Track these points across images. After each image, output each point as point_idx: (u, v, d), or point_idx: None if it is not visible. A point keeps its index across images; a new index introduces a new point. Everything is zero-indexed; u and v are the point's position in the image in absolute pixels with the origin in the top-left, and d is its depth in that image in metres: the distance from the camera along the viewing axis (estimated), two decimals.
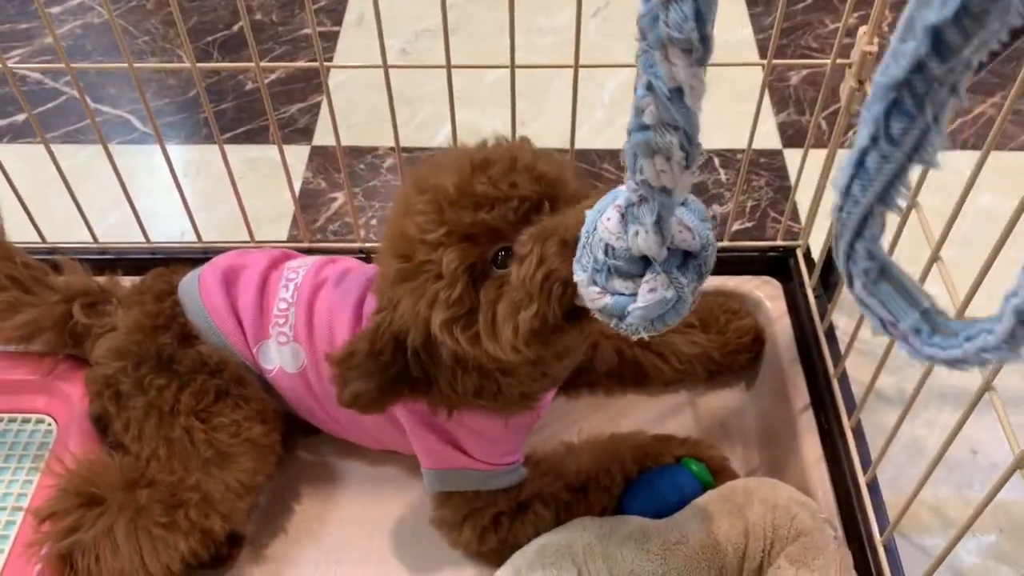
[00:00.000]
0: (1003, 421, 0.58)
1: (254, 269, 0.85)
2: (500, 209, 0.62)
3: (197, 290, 0.84)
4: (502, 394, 0.73)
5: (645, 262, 0.54)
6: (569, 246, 0.59)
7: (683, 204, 0.54)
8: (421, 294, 0.64)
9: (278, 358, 0.83)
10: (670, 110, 0.43)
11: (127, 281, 0.93)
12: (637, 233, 0.50)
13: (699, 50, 0.41)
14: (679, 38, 0.40)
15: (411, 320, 0.66)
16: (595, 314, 0.57)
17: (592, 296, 0.56)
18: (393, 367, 0.69)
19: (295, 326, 0.81)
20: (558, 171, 0.66)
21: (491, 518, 0.80)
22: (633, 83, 0.85)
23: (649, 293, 0.53)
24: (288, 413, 0.87)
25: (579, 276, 0.57)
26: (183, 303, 0.84)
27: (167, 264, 0.91)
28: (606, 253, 0.54)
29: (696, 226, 0.54)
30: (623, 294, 0.54)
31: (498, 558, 0.79)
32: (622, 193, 0.53)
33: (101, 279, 0.91)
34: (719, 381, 0.98)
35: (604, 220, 0.53)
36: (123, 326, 0.84)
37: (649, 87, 0.44)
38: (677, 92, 0.43)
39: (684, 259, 0.54)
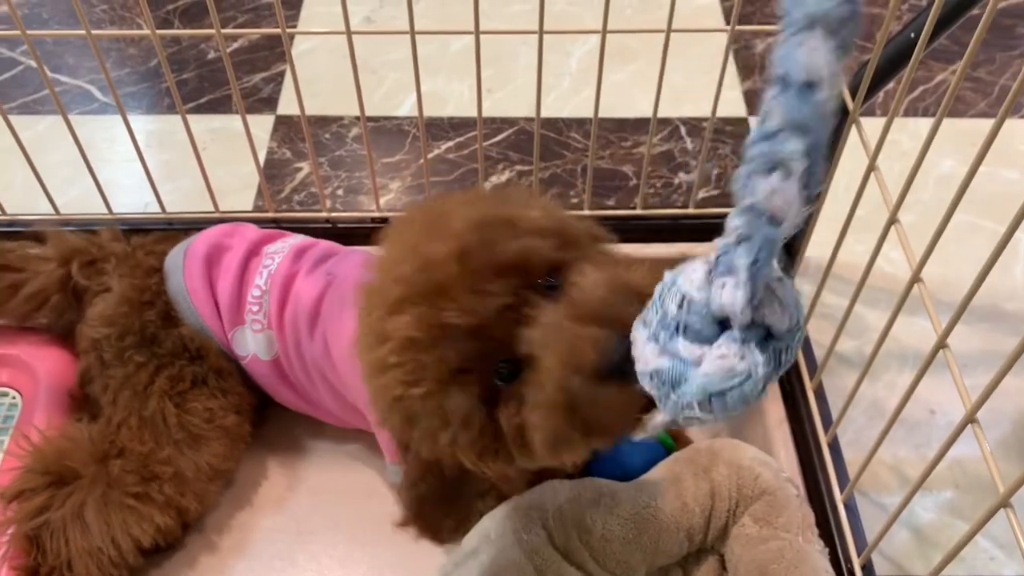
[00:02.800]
0: (956, 378, 0.59)
1: (238, 250, 0.85)
2: (483, 330, 0.54)
3: (181, 268, 0.84)
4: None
5: (720, 329, 0.46)
6: (592, 371, 0.52)
7: (779, 280, 0.46)
8: (435, 441, 0.58)
9: (252, 345, 0.83)
10: (801, 108, 0.38)
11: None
12: (724, 285, 0.44)
13: (847, 29, 0.37)
14: (828, 13, 0.36)
15: (440, 458, 0.61)
16: (641, 383, 0.49)
17: (647, 356, 0.48)
18: (460, 475, 0.64)
19: (269, 313, 0.81)
20: (518, 247, 0.55)
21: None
22: (599, 51, 0.85)
23: (719, 360, 0.45)
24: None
25: (638, 332, 0.49)
26: (167, 280, 0.84)
27: (129, 235, 0.91)
28: (679, 306, 0.46)
29: (789, 303, 0.46)
30: (682, 359, 0.46)
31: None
32: (705, 259, 0.46)
33: (97, 236, 0.91)
34: None
35: (689, 272, 0.47)
36: (114, 294, 0.84)
37: (783, 81, 0.39)
38: (809, 87, 0.38)
39: (765, 338, 0.46)
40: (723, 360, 0.45)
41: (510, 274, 0.54)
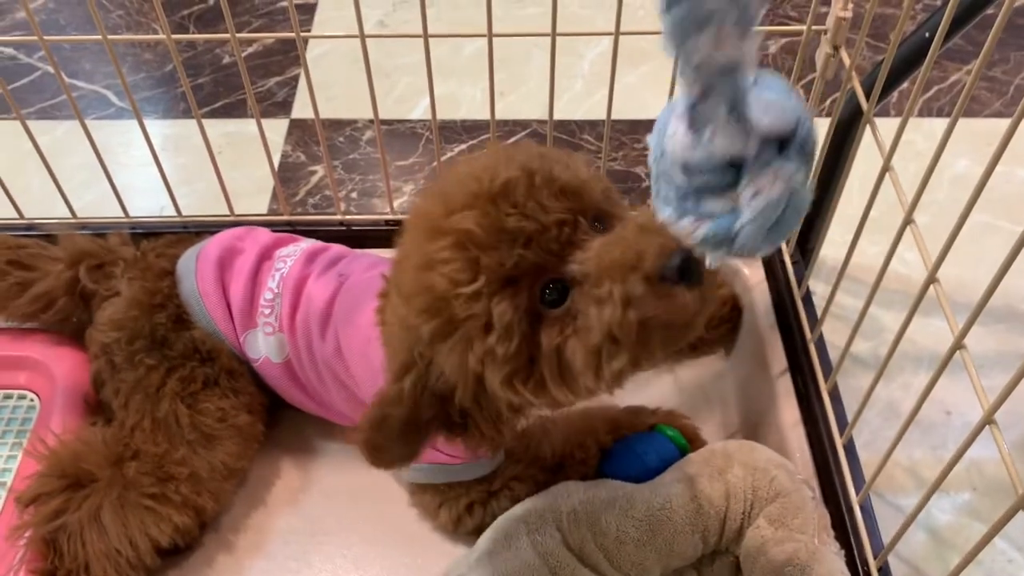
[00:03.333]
0: (973, 379, 0.59)
1: (250, 254, 0.85)
2: (540, 241, 0.55)
3: (194, 271, 0.84)
4: (534, 450, 0.74)
5: (736, 168, 0.44)
6: (655, 281, 0.53)
7: (754, 83, 0.43)
8: (467, 351, 0.57)
9: (264, 348, 0.83)
10: None
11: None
12: (713, 135, 0.42)
13: None
14: None
15: (459, 378, 0.59)
16: (696, 250, 0.47)
17: (687, 230, 0.46)
18: (431, 424, 0.63)
19: (281, 316, 0.82)
20: (576, 175, 0.58)
21: (465, 507, 0.80)
22: (611, 53, 0.85)
23: (755, 200, 0.43)
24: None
25: (664, 212, 0.47)
26: (179, 282, 0.84)
27: (145, 239, 0.91)
28: (685, 173, 0.44)
29: (780, 101, 0.43)
30: (722, 214, 0.44)
31: (478, 537, 0.79)
32: (678, 102, 0.44)
33: (106, 240, 0.91)
34: (698, 349, 0.99)
35: (670, 138, 0.44)
36: (124, 297, 0.84)
37: None
38: None
39: (780, 146, 0.44)
40: (758, 197, 0.43)
41: (568, 198, 0.56)
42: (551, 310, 0.56)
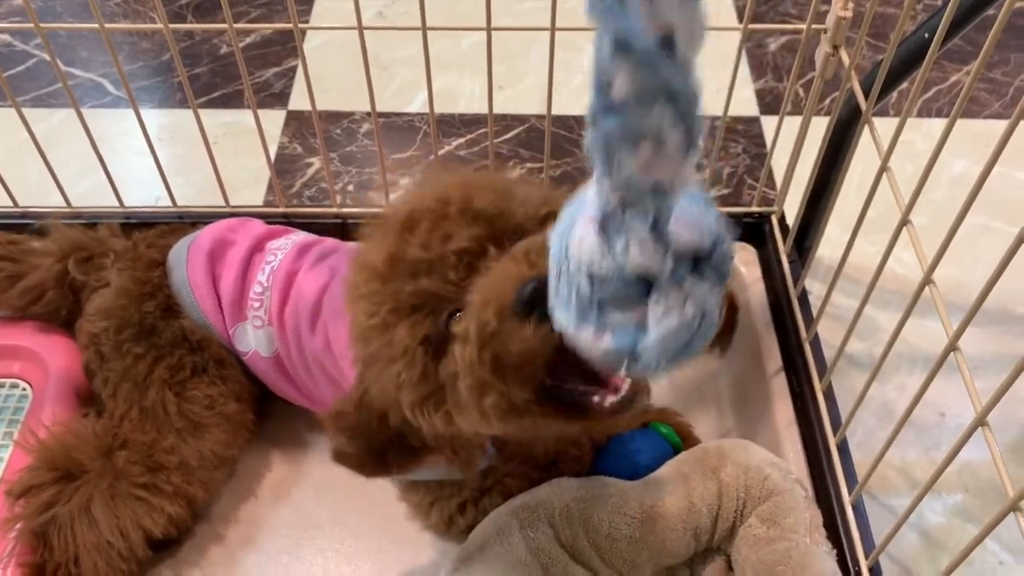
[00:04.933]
0: (967, 380, 0.59)
1: (241, 246, 0.85)
2: (437, 271, 0.55)
3: (184, 262, 0.84)
4: (526, 450, 0.74)
5: (647, 280, 0.40)
6: (509, 316, 0.51)
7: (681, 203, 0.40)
8: (385, 378, 0.59)
9: (253, 341, 0.83)
10: (657, 72, 0.32)
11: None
12: (627, 247, 0.38)
13: None
14: None
15: (386, 403, 0.61)
16: (595, 362, 0.44)
17: (587, 341, 0.43)
18: (381, 436, 0.64)
19: (270, 310, 0.81)
20: (497, 202, 0.57)
21: (457, 506, 0.80)
22: None
23: (664, 319, 0.40)
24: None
25: (563, 318, 0.43)
26: (169, 273, 0.84)
27: (140, 229, 0.91)
28: (591, 282, 0.41)
29: (699, 217, 0.40)
30: (627, 328, 0.41)
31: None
32: (588, 200, 0.40)
33: (96, 231, 0.91)
34: None
35: (577, 242, 0.41)
36: (113, 287, 0.84)
37: (619, 47, 0.32)
38: (664, 43, 0.31)
39: (695, 262, 0.41)
40: (669, 317, 0.40)
41: (479, 225, 0.56)
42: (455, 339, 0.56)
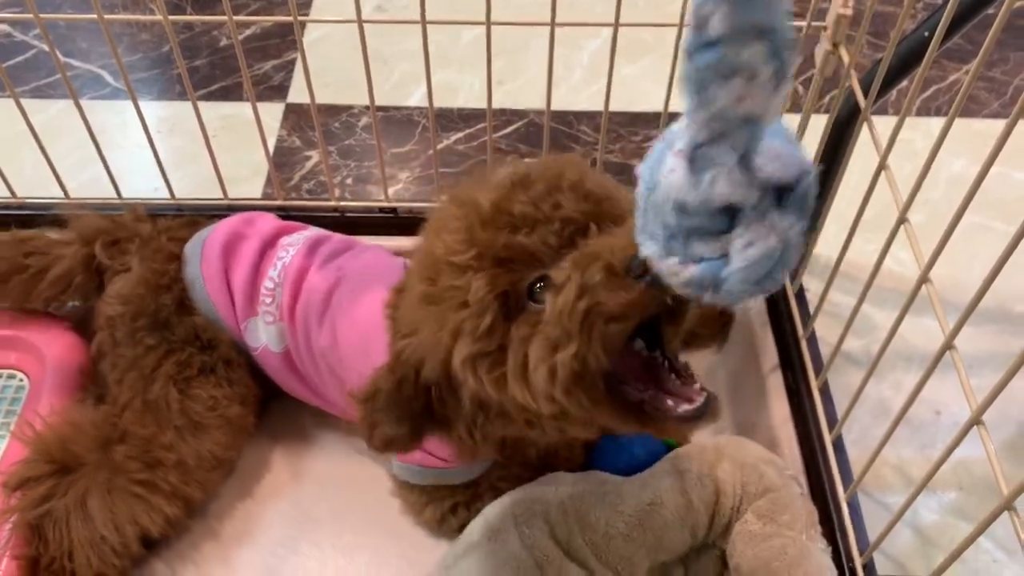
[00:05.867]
0: (962, 379, 0.59)
1: (254, 241, 0.85)
2: (539, 231, 0.55)
3: (199, 256, 0.84)
4: (521, 450, 0.70)
5: (731, 213, 0.42)
6: (618, 273, 0.52)
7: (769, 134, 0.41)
8: (444, 322, 0.57)
9: (264, 336, 0.83)
10: (752, 9, 0.33)
11: None
12: (715, 179, 0.40)
13: None
14: None
15: (430, 349, 0.59)
16: (678, 289, 0.45)
17: (672, 270, 0.44)
18: (416, 402, 0.62)
19: (281, 306, 0.81)
20: (608, 190, 0.58)
21: (450, 507, 0.81)
22: (611, 44, 0.85)
23: (747, 249, 0.41)
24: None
25: (649, 249, 0.45)
26: (185, 266, 0.85)
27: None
28: (678, 214, 0.42)
29: (786, 151, 0.41)
30: (711, 258, 0.43)
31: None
32: (678, 134, 0.42)
33: (123, 215, 0.91)
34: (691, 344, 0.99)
35: (666, 173, 0.42)
36: (134, 274, 0.84)
37: None
38: None
39: (779, 195, 0.42)
40: (751, 248, 0.41)
41: (587, 202, 0.57)
42: (535, 305, 0.56)
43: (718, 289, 0.43)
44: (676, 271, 0.44)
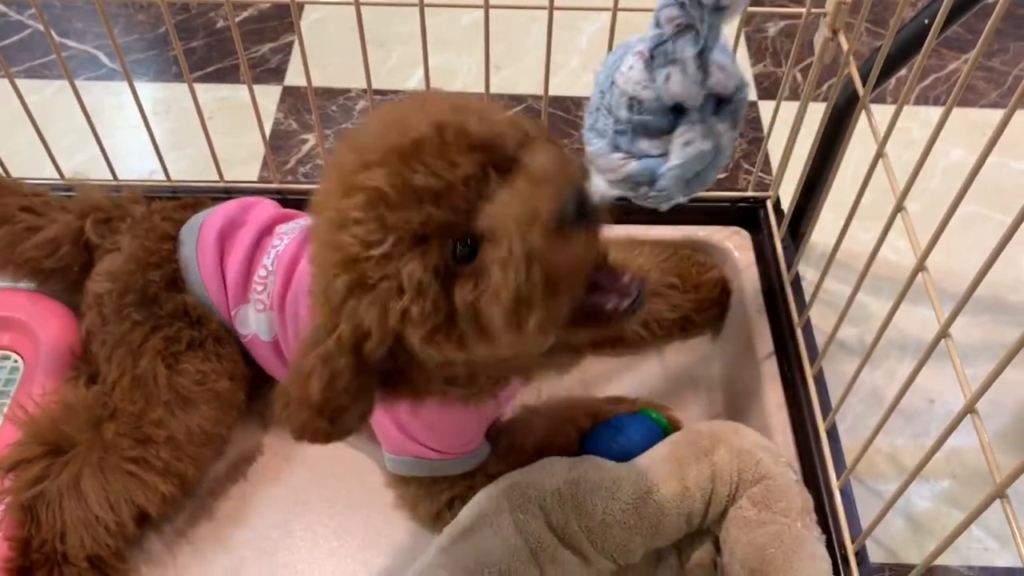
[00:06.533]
0: (957, 368, 0.59)
1: (251, 227, 0.84)
2: (448, 198, 0.54)
3: (195, 239, 0.84)
4: (474, 382, 0.70)
5: (675, 115, 0.46)
6: (551, 231, 0.52)
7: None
8: (384, 310, 0.56)
9: (254, 324, 0.83)
10: None
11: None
12: (669, 76, 0.44)
13: None
14: None
15: (377, 333, 0.58)
16: (616, 186, 0.50)
17: (614, 164, 0.48)
18: (371, 378, 0.61)
19: (272, 295, 0.81)
20: (490, 128, 0.57)
21: (446, 502, 0.80)
22: (609, 29, 0.84)
23: (685, 147, 0.46)
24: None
25: (595, 145, 0.49)
26: (180, 248, 0.84)
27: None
28: (630, 109, 0.46)
29: (728, 64, 0.46)
30: (651, 155, 0.47)
31: None
32: (637, 40, 0.46)
33: (119, 194, 0.91)
34: (687, 331, 0.99)
35: (625, 70, 0.46)
36: (123, 252, 0.84)
37: None
38: None
39: (717, 104, 0.47)
40: (690, 146, 0.46)
41: (478, 152, 0.55)
42: (463, 266, 0.56)
43: (653, 185, 0.48)
44: (618, 165, 0.48)
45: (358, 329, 0.58)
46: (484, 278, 0.55)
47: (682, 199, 0.48)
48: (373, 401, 0.62)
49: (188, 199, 0.91)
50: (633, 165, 0.48)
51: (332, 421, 0.60)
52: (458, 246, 0.55)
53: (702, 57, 0.42)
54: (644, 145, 0.47)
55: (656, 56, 0.44)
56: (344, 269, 0.56)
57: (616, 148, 0.48)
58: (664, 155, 0.47)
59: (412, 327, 0.56)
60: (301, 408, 0.61)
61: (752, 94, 1.30)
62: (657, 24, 0.43)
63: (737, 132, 0.48)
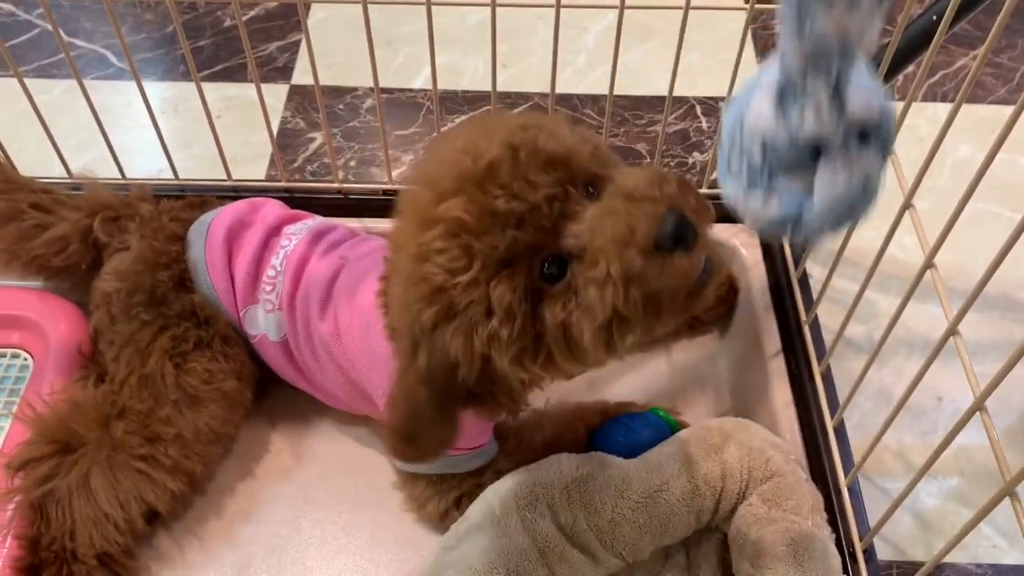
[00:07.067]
0: (966, 365, 0.59)
1: (259, 228, 0.85)
2: (531, 220, 0.54)
3: (204, 239, 0.84)
4: (527, 438, 0.76)
5: (816, 147, 0.42)
6: (649, 252, 0.53)
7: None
8: (472, 334, 0.56)
9: (263, 324, 0.83)
10: None
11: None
12: (804, 114, 0.40)
13: None
14: None
15: (464, 359, 0.58)
16: (761, 227, 0.46)
17: (755, 206, 0.45)
18: (456, 399, 0.62)
19: (281, 295, 0.81)
20: (561, 142, 0.57)
21: (454, 500, 0.80)
22: (616, 27, 0.84)
23: (831, 184, 0.42)
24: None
25: (731, 187, 0.46)
26: (188, 248, 0.85)
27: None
28: (764, 150, 0.43)
29: (869, 91, 0.41)
30: (794, 192, 0.43)
31: None
32: (767, 71, 0.43)
33: (128, 192, 0.91)
34: (694, 328, 0.99)
35: (753, 113, 0.42)
36: (132, 251, 0.84)
37: None
38: None
39: (862, 131, 0.42)
40: (836, 177, 0.42)
41: (555, 169, 0.55)
42: (551, 286, 0.56)
43: (799, 224, 0.43)
44: (759, 209, 0.44)
45: (444, 359, 0.58)
46: (576, 297, 0.55)
47: (831, 235, 0.45)
48: (457, 425, 0.63)
49: (195, 199, 0.91)
50: (774, 207, 0.44)
51: (411, 442, 0.63)
52: (545, 265, 0.55)
53: (838, 92, 0.39)
54: (784, 183, 0.43)
55: (786, 94, 0.40)
56: (430, 300, 0.56)
57: (754, 189, 0.44)
58: (806, 192, 0.43)
59: (500, 350, 0.57)
60: (389, 434, 0.64)
61: None
62: (783, 58, 0.40)
63: (887, 160, 0.43)
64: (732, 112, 0.45)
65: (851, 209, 0.43)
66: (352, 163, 1.20)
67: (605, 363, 0.59)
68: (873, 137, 0.42)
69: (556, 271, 0.55)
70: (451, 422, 0.63)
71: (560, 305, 0.56)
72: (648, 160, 1.19)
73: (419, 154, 1.21)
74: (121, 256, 0.85)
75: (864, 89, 0.41)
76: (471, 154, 0.55)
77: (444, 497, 0.81)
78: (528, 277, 0.55)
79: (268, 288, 0.82)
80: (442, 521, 0.82)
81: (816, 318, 0.88)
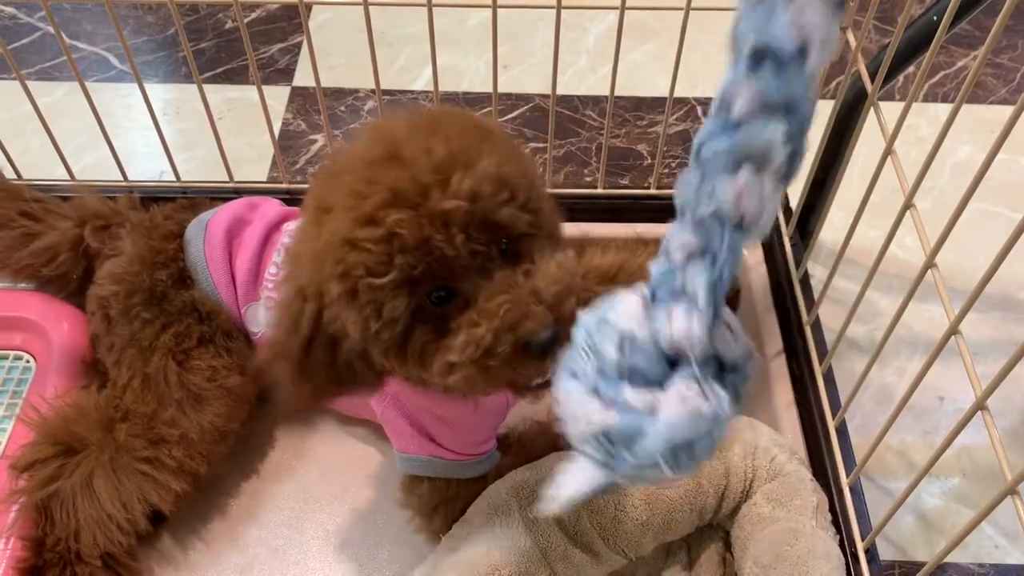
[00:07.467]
0: (967, 365, 0.59)
1: (258, 225, 0.85)
2: (451, 263, 0.59)
3: (202, 238, 0.84)
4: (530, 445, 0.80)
5: (670, 367, 0.39)
6: (519, 344, 0.58)
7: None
8: (358, 323, 0.61)
9: (265, 321, 0.83)
10: (787, 83, 0.33)
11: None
12: (673, 314, 0.38)
13: None
14: None
15: (354, 337, 0.63)
16: (585, 443, 0.42)
17: (588, 414, 0.41)
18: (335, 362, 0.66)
19: None
20: (511, 214, 0.60)
21: (461, 509, 0.79)
22: (617, 28, 0.85)
23: (680, 403, 0.38)
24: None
25: (567, 387, 0.42)
26: (186, 247, 0.84)
27: (144, 203, 0.91)
28: (620, 349, 0.40)
29: (737, 328, 0.40)
30: (635, 410, 0.39)
31: None
32: (636, 289, 0.41)
33: (116, 201, 0.91)
34: None
35: (619, 306, 0.40)
36: (127, 254, 0.84)
37: (756, 56, 0.33)
38: (798, 55, 0.33)
39: (720, 372, 0.40)
40: (685, 403, 0.38)
41: (494, 230, 0.60)
42: (433, 307, 0.61)
43: (632, 447, 0.39)
44: (592, 416, 0.40)
45: (338, 322, 0.63)
46: (445, 331, 0.61)
47: (662, 475, 0.39)
48: (329, 384, 0.68)
49: (185, 201, 0.91)
50: (612, 416, 0.39)
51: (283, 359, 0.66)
52: (438, 291, 0.61)
53: (715, 292, 0.37)
54: (629, 395, 0.39)
55: (658, 293, 0.38)
56: (341, 280, 0.60)
57: (595, 393, 0.40)
58: (649, 413, 0.39)
59: (374, 344, 0.63)
60: (276, 359, 0.67)
61: None
62: (665, 256, 0.38)
63: (738, 411, 0.40)
64: (593, 312, 0.43)
65: (690, 448, 0.39)
66: None
67: (447, 388, 0.65)
68: (730, 376, 0.40)
69: (443, 296, 0.61)
70: (328, 380, 0.67)
71: (430, 328, 0.61)
72: (649, 161, 1.19)
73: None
74: (115, 260, 0.85)
75: (732, 326, 0.40)
76: (442, 176, 0.58)
77: (451, 506, 0.79)
78: (421, 297, 0.60)
79: (270, 285, 0.82)
80: (445, 529, 0.81)
81: (817, 318, 0.88)
